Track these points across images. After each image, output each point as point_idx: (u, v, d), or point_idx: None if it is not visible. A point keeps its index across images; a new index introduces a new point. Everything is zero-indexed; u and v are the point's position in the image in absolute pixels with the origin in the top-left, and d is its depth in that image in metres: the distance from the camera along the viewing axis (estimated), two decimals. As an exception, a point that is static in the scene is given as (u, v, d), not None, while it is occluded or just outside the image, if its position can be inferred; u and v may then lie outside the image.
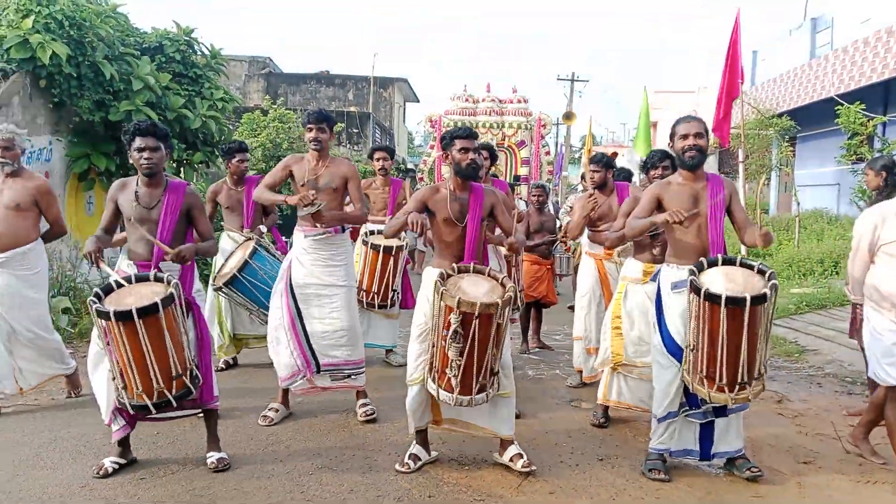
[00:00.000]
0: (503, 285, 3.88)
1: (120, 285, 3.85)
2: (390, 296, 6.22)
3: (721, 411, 4.05)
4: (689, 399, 4.04)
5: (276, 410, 4.98)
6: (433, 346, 3.89)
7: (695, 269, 3.79)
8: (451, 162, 4.23)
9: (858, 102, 13.59)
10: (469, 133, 4.24)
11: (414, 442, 4.22)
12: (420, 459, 4.16)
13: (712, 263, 3.85)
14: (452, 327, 3.68)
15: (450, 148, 4.22)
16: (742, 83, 9.13)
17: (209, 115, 9.43)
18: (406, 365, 6.30)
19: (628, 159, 28.78)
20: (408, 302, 6.65)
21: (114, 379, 3.80)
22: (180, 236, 4.12)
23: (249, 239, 5.78)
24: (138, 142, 4.01)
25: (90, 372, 4.14)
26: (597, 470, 4.21)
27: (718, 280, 3.71)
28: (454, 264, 4.05)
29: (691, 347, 3.80)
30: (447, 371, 3.82)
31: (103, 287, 3.86)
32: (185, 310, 3.89)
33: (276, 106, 18.44)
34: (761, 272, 3.75)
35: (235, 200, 6.19)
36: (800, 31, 19.45)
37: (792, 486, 4.00)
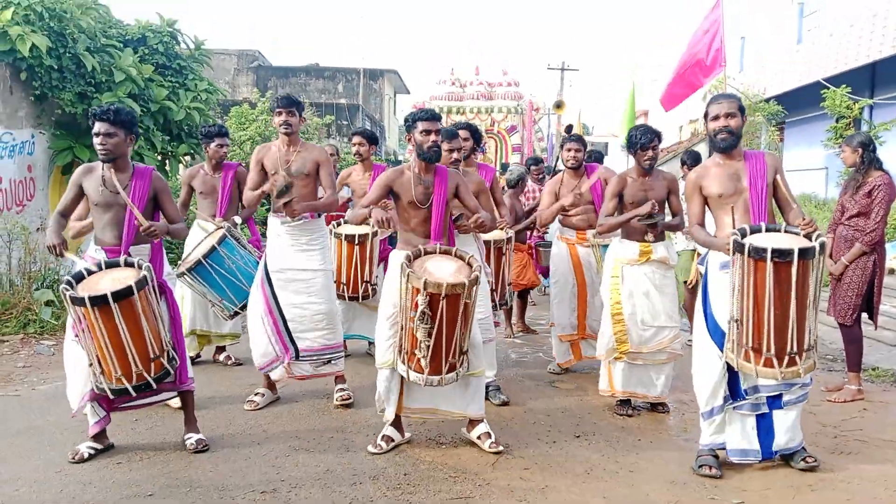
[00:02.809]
0: (470, 265, 3.88)
1: (91, 272, 3.88)
2: (361, 287, 5.89)
3: (775, 401, 3.82)
4: (734, 390, 3.84)
5: (262, 395, 4.98)
6: (402, 329, 3.90)
7: (738, 232, 3.57)
8: (413, 144, 4.22)
9: (845, 86, 13.62)
10: (431, 115, 4.21)
11: (387, 423, 4.23)
12: (393, 441, 4.17)
13: (755, 231, 3.61)
14: (420, 308, 3.69)
15: (412, 130, 4.21)
16: (724, 66, 9.09)
17: (193, 106, 9.40)
18: None
19: (623, 146, 28.77)
20: None
21: (90, 365, 3.83)
22: (148, 220, 4.13)
23: (220, 228, 5.52)
24: (95, 127, 4.03)
25: (66, 363, 4.15)
26: (573, 447, 4.24)
27: (764, 240, 3.50)
28: (420, 246, 4.05)
29: (735, 319, 3.57)
30: (416, 352, 3.84)
31: (74, 274, 3.88)
32: (158, 292, 3.92)
33: (264, 99, 18.41)
34: (808, 237, 3.52)
35: (210, 186, 5.96)
36: (787, 15, 19.43)
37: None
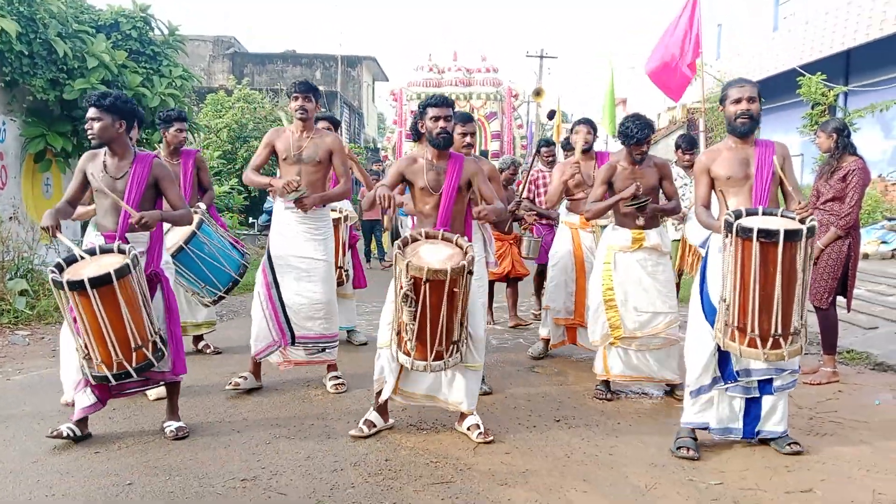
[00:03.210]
0: (466, 254, 3.84)
1: (83, 256, 3.84)
2: (335, 273, 5.64)
3: (766, 386, 3.86)
4: (724, 372, 3.87)
5: (245, 378, 4.95)
6: (397, 310, 3.91)
7: (732, 213, 3.60)
8: (426, 131, 4.21)
9: (820, 73, 13.75)
10: (441, 101, 4.17)
11: (371, 408, 4.22)
12: (375, 426, 4.16)
13: (752, 214, 3.63)
14: (403, 290, 3.70)
15: (423, 117, 4.19)
16: (700, 53, 9.11)
17: (168, 93, 9.27)
18: (366, 343, 6.27)
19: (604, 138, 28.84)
20: (359, 281, 6.46)
21: (77, 350, 3.82)
22: (148, 207, 4.11)
23: (195, 213, 5.36)
24: (88, 112, 4.04)
25: (62, 349, 4.12)
26: (553, 431, 4.26)
27: (755, 222, 3.51)
28: (422, 230, 4.05)
29: (723, 299, 3.61)
30: (403, 335, 3.85)
31: (66, 258, 3.85)
32: (144, 281, 3.89)
33: (240, 86, 18.22)
34: (802, 221, 3.53)
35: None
36: (763, 2, 19.57)
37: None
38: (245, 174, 5.00)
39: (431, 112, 4.13)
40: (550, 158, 7.72)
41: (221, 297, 5.53)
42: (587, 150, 5.72)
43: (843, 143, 5.26)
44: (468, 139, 4.76)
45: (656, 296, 4.77)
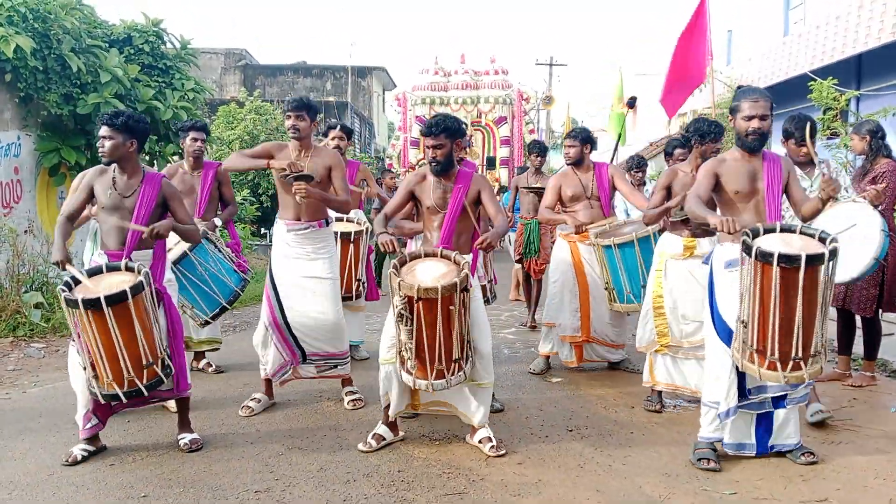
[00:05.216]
0: (461, 271, 3.81)
1: (91, 274, 3.88)
2: (353, 286, 5.83)
3: (780, 402, 3.84)
4: (740, 389, 3.81)
5: (259, 401, 4.88)
6: (395, 328, 3.91)
7: (749, 232, 3.51)
8: None
9: (831, 78, 13.68)
10: (427, 130, 4.16)
11: (380, 422, 4.22)
12: (385, 439, 4.15)
13: (769, 231, 3.55)
14: (397, 310, 3.71)
15: None
16: (710, 62, 9.10)
17: (181, 105, 9.35)
18: (367, 358, 6.18)
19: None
20: (372, 293, 6.37)
21: (84, 369, 3.83)
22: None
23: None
24: (100, 130, 4.08)
25: (70, 369, 4.14)
26: (566, 441, 4.25)
27: (774, 242, 3.44)
28: (422, 248, 4.06)
29: (742, 321, 3.56)
30: (404, 353, 3.85)
31: (74, 277, 3.87)
32: (155, 299, 3.91)
33: (252, 98, 18.35)
34: (822, 240, 3.47)
35: (189, 186, 5.53)
36: (773, 7, 19.51)
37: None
38: (233, 156, 4.86)
39: (424, 141, 4.19)
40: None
41: (208, 322, 5.42)
42: (578, 163, 5.68)
43: (876, 146, 5.17)
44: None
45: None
